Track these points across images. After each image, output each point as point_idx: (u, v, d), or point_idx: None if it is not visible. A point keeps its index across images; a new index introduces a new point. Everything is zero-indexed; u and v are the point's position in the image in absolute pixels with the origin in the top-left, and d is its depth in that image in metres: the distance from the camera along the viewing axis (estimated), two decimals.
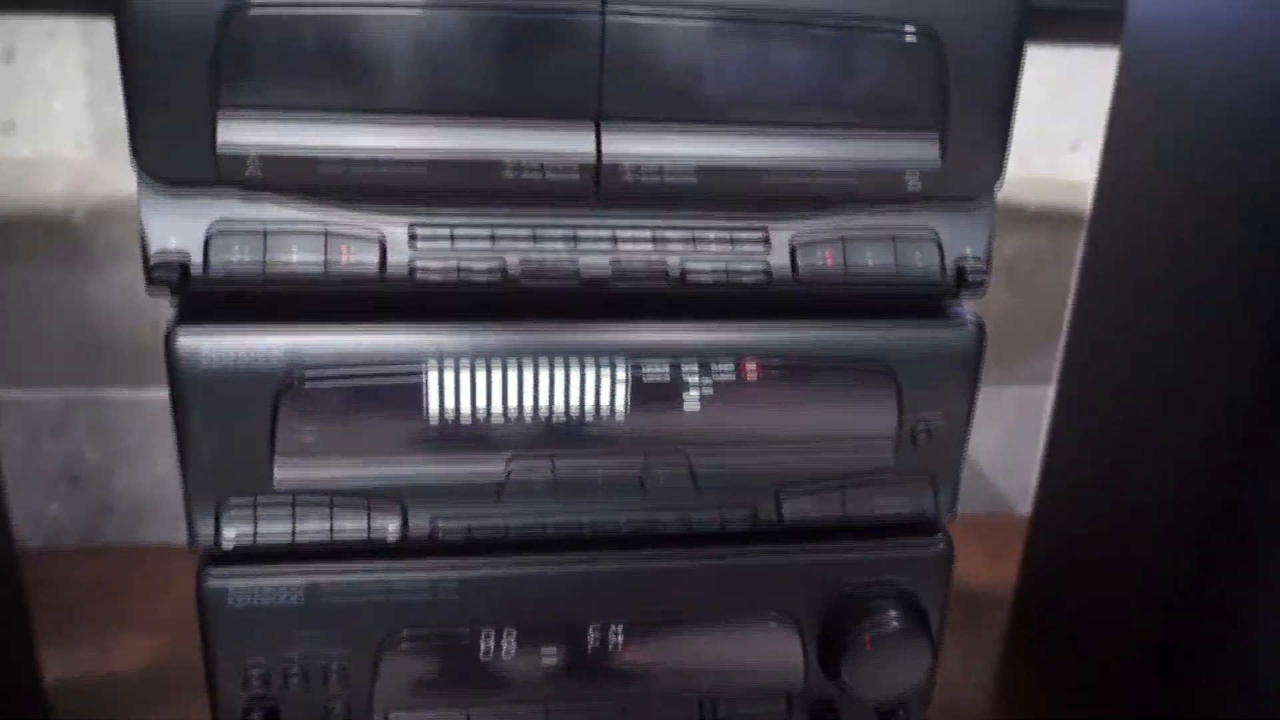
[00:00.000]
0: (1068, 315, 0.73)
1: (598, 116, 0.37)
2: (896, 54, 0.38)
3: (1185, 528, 0.54)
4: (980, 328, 0.43)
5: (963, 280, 0.41)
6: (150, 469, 0.98)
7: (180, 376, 0.38)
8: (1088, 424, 0.67)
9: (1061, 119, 1.02)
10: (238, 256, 0.37)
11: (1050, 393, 1.02)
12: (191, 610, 0.41)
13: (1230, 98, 0.51)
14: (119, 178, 0.90)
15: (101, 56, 0.90)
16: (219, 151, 0.35)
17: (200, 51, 0.34)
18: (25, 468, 1.07)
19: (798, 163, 0.39)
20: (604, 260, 0.39)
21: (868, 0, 0.37)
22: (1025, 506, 1.06)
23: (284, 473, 0.40)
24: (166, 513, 0.98)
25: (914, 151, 0.39)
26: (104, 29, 0.90)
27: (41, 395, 0.95)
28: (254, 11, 0.34)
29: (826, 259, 0.40)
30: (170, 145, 0.35)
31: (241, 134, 0.35)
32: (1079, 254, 1.01)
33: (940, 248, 0.41)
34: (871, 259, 0.41)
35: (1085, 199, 1.03)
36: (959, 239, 0.41)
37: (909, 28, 0.37)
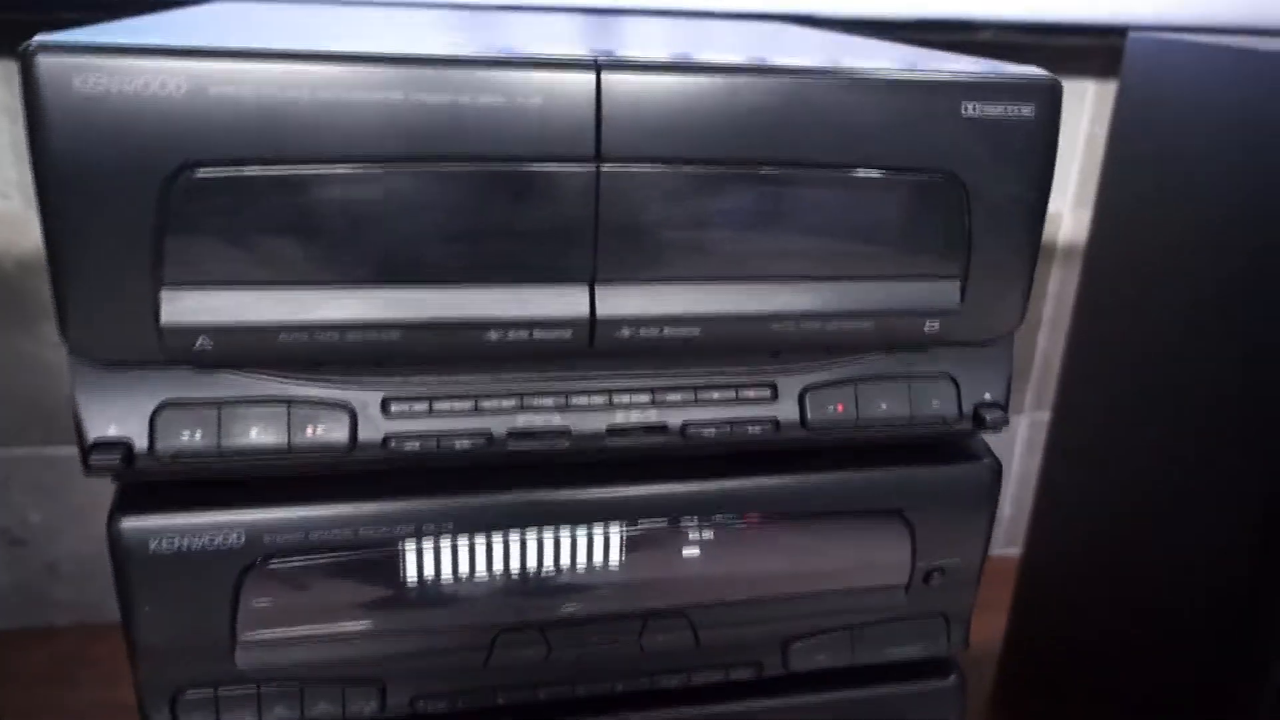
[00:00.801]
0: (1061, 352, 0.71)
1: (592, 276, 0.33)
2: (917, 199, 0.34)
3: (1204, 575, 0.52)
4: (996, 466, 0.40)
5: (980, 424, 0.39)
6: (97, 529, 0.93)
7: (126, 564, 0.34)
8: (1085, 465, 0.65)
9: None
10: (188, 438, 0.33)
11: (1023, 423, 1.01)
12: None
13: (1228, 131, 0.50)
14: None
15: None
16: (163, 328, 0.31)
17: (141, 219, 0.30)
18: None
19: (809, 312, 0.35)
20: (599, 423, 0.36)
21: (888, 147, 0.34)
22: (1001, 540, 1.05)
23: (248, 656, 0.36)
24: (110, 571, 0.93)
25: (933, 297, 0.36)
26: None
27: None
28: (203, 173, 0.30)
29: (838, 409, 0.37)
30: (106, 323, 0.31)
31: (189, 310, 0.31)
32: (1050, 285, 1.00)
33: (958, 391, 0.38)
34: (886, 406, 0.38)
35: (1058, 230, 1.01)
36: (977, 381, 0.39)
37: (931, 174, 0.34)
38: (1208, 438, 0.52)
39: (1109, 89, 0.96)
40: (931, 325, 0.36)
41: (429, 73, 0.30)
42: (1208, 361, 0.52)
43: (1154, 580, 0.57)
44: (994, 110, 0.34)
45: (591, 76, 0.31)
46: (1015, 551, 0.86)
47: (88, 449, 0.33)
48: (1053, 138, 0.35)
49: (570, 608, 0.38)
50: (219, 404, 0.33)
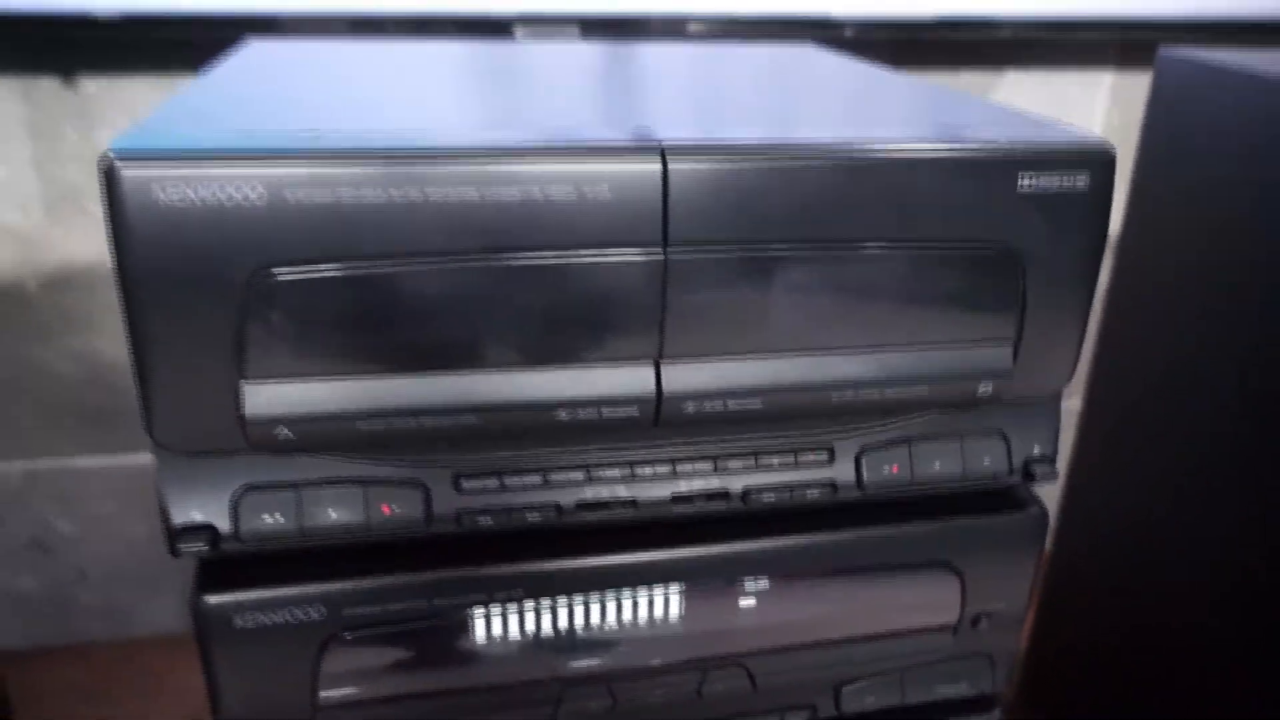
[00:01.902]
0: (1091, 346, 0.71)
1: (659, 354, 0.34)
2: (972, 270, 0.35)
3: (1236, 573, 0.53)
4: (1043, 514, 0.41)
5: (1030, 477, 0.40)
6: (122, 536, 0.94)
7: (212, 639, 0.35)
8: (1115, 460, 0.67)
9: None
10: (269, 520, 0.34)
11: None
12: None
13: (1253, 150, 0.51)
14: (70, 244, 0.85)
15: (46, 116, 0.84)
16: (246, 420, 0.32)
17: (221, 318, 0.30)
18: None
19: (867, 380, 0.36)
20: (664, 491, 0.37)
21: (946, 222, 0.34)
22: None
23: (327, 717, 0.37)
24: (140, 577, 0.95)
25: (987, 361, 0.37)
26: (45, 87, 0.83)
27: (2, 468, 0.91)
28: (281, 274, 0.30)
29: (893, 470, 0.38)
30: (189, 416, 0.32)
31: (270, 402, 0.32)
32: None
33: (1008, 448, 0.39)
34: (939, 465, 0.39)
35: None
36: (1027, 437, 0.39)
37: (987, 246, 0.35)
38: (1240, 434, 0.53)
39: (1125, 80, 0.96)
40: (985, 387, 0.37)
41: (501, 169, 0.31)
42: (1243, 357, 0.53)
43: (1184, 577, 0.58)
44: (1050, 182, 0.34)
45: (658, 165, 0.32)
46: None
47: (175, 534, 0.33)
48: (1106, 206, 0.35)
49: (633, 661, 0.39)
50: (298, 486, 0.34)
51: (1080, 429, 0.71)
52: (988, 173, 0.34)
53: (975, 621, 0.42)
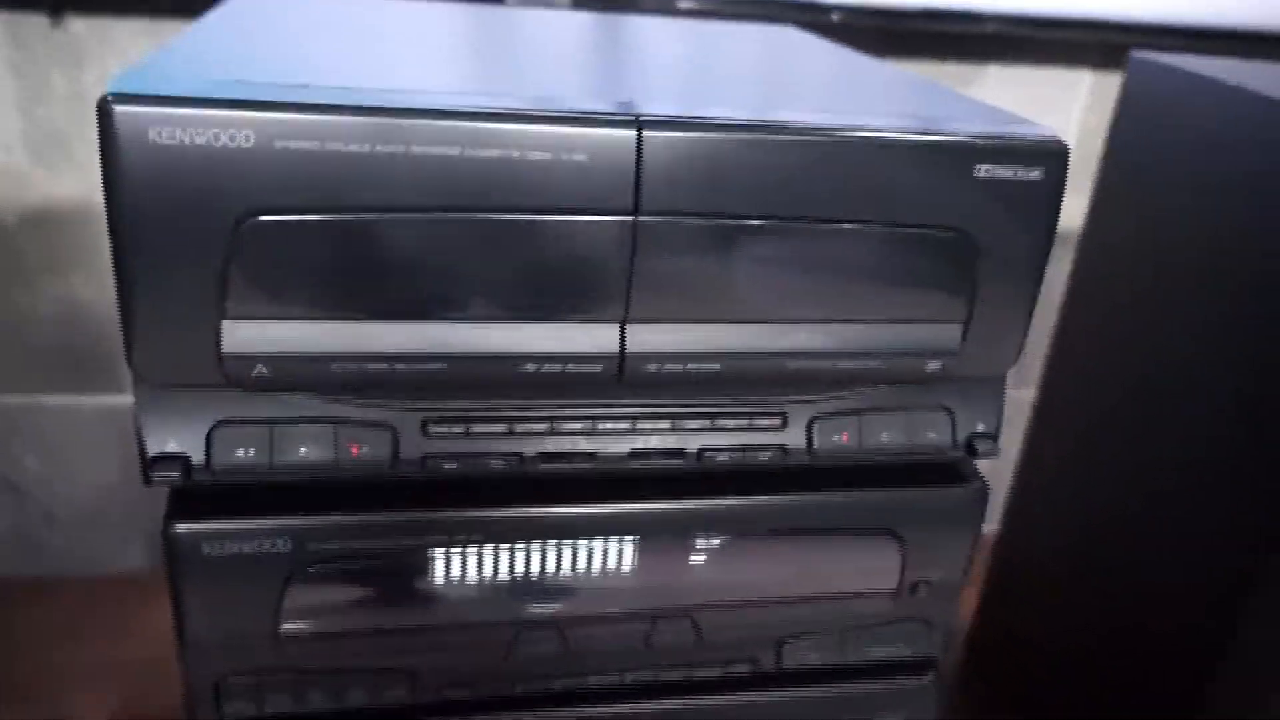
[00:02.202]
0: (1050, 329, 0.74)
1: (624, 316, 0.35)
2: (927, 251, 0.37)
3: (1183, 569, 0.56)
4: (984, 488, 0.44)
5: (972, 452, 0.42)
6: (92, 478, 0.95)
7: (181, 566, 0.36)
8: (1064, 440, 0.69)
9: None
10: (242, 454, 0.35)
11: None
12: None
13: (1220, 157, 0.53)
14: (52, 184, 0.85)
15: (28, 56, 0.84)
16: (224, 356, 0.33)
17: (207, 258, 0.32)
18: None
19: (821, 351, 0.38)
20: (623, 446, 0.39)
21: (905, 204, 0.36)
22: None
23: (289, 647, 0.39)
24: (108, 520, 0.96)
25: (937, 339, 0.39)
26: (31, 24, 0.83)
27: None
28: (266, 219, 0.32)
29: (843, 438, 0.40)
30: (170, 350, 0.33)
31: (249, 340, 0.33)
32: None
33: (953, 423, 0.41)
34: (886, 436, 0.41)
35: None
36: (971, 414, 0.41)
37: (943, 230, 0.36)
38: (1196, 431, 0.55)
39: (1104, 80, 0.98)
40: (933, 364, 0.39)
41: (483, 127, 0.32)
42: (1200, 357, 0.55)
43: (1132, 571, 0.60)
44: (1005, 172, 0.36)
45: (633, 134, 0.33)
46: (990, 528, 0.90)
47: (149, 462, 0.35)
48: (1058, 197, 0.37)
49: (586, 609, 0.41)
50: (271, 423, 0.35)
51: (1033, 418, 0.74)
52: (948, 159, 0.36)
53: (914, 588, 0.44)
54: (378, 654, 0.40)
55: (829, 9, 0.86)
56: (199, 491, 0.37)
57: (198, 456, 0.35)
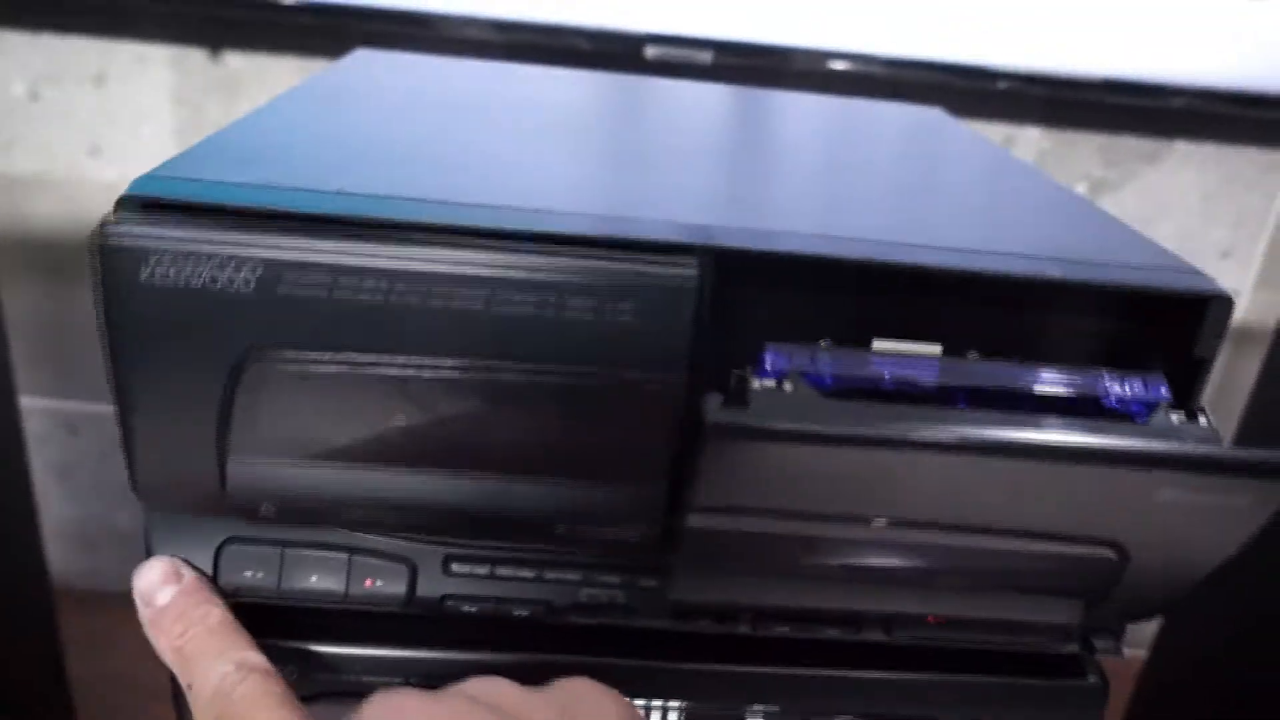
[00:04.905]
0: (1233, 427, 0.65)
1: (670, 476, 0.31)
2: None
3: None
4: (1103, 687, 0.37)
5: (1090, 650, 0.35)
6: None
7: None
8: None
9: (1214, 224, 0.91)
10: (250, 575, 0.33)
11: None
12: None
13: None
14: None
15: (189, 85, 0.87)
16: (229, 492, 0.31)
17: (208, 394, 0.29)
18: (96, 481, 1.08)
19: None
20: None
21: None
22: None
23: None
24: None
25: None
26: (193, 58, 0.86)
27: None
28: (273, 359, 0.29)
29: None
30: (174, 480, 0.31)
31: (255, 478, 0.30)
32: (1222, 361, 0.92)
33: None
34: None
35: (1235, 309, 0.92)
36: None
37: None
38: None
39: None
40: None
41: (513, 275, 0.28)
42: None
43: None
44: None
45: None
46: (1139, 653, 0.80)
47: None
48: None
49: None
50: (283, 545, 0.33)
51: None
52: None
53: None
54: None
55: (995, 75, 0.79)
56: None
57: (205, 572, 0.33)
